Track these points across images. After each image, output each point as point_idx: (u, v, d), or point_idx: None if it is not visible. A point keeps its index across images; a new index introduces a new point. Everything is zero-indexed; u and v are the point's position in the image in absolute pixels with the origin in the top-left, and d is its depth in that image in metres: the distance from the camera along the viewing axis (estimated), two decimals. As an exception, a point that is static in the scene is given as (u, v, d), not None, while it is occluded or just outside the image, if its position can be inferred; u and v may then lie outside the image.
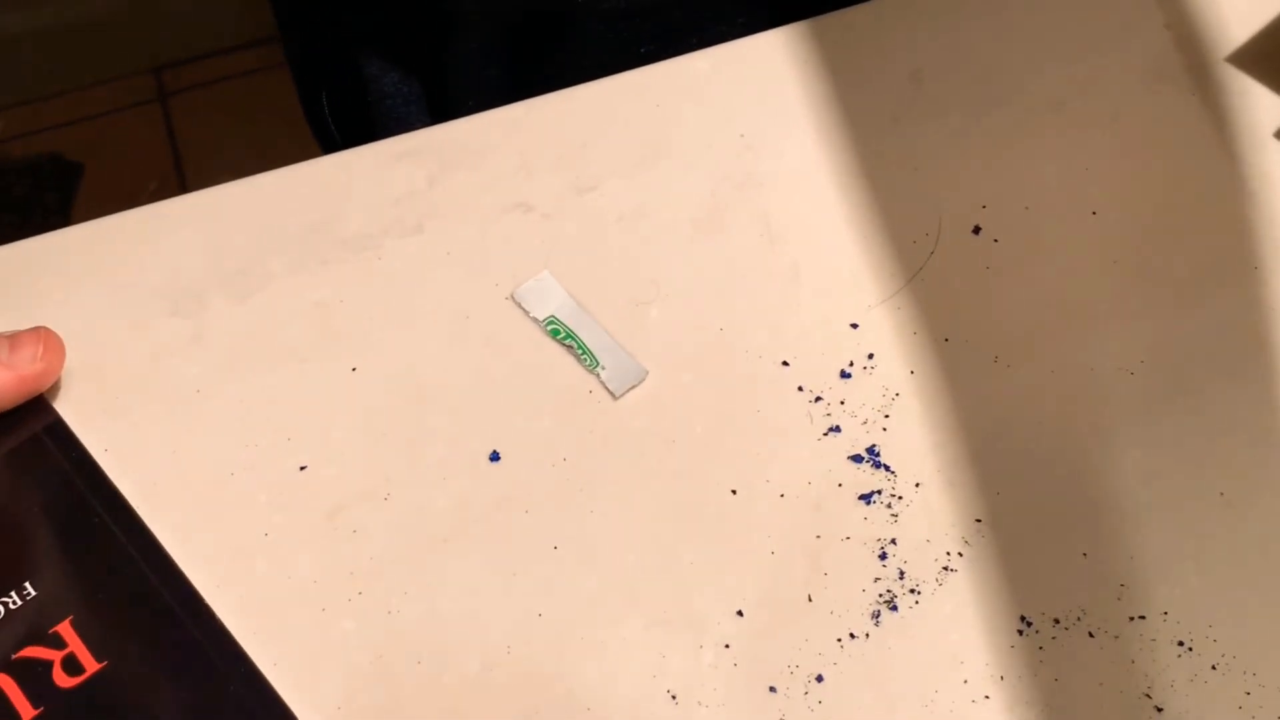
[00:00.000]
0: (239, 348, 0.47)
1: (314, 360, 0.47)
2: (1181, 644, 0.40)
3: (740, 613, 0.42)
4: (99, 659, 0.40)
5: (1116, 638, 0.41)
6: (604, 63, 0.53)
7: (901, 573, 0.42)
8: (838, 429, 0.45)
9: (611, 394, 0.46)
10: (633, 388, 0.46)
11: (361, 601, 0.42)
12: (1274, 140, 0.49)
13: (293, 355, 0.47)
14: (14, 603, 0.41)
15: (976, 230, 0.48)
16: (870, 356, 0.46)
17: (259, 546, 0.43)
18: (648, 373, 0.46)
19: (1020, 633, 0.41)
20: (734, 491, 0.44)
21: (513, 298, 0.48)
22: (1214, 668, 0.40)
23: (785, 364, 0.46)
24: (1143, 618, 0.41)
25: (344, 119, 0.66)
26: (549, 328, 0.47)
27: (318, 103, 0.66)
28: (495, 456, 0.45)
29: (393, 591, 0.42)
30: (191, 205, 0.50)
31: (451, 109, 0.62)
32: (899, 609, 0.41)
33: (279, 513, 0.44)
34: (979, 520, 0.43)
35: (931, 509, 0.43)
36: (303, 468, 0.45)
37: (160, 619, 0.41)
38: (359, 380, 0.46)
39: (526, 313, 0.47)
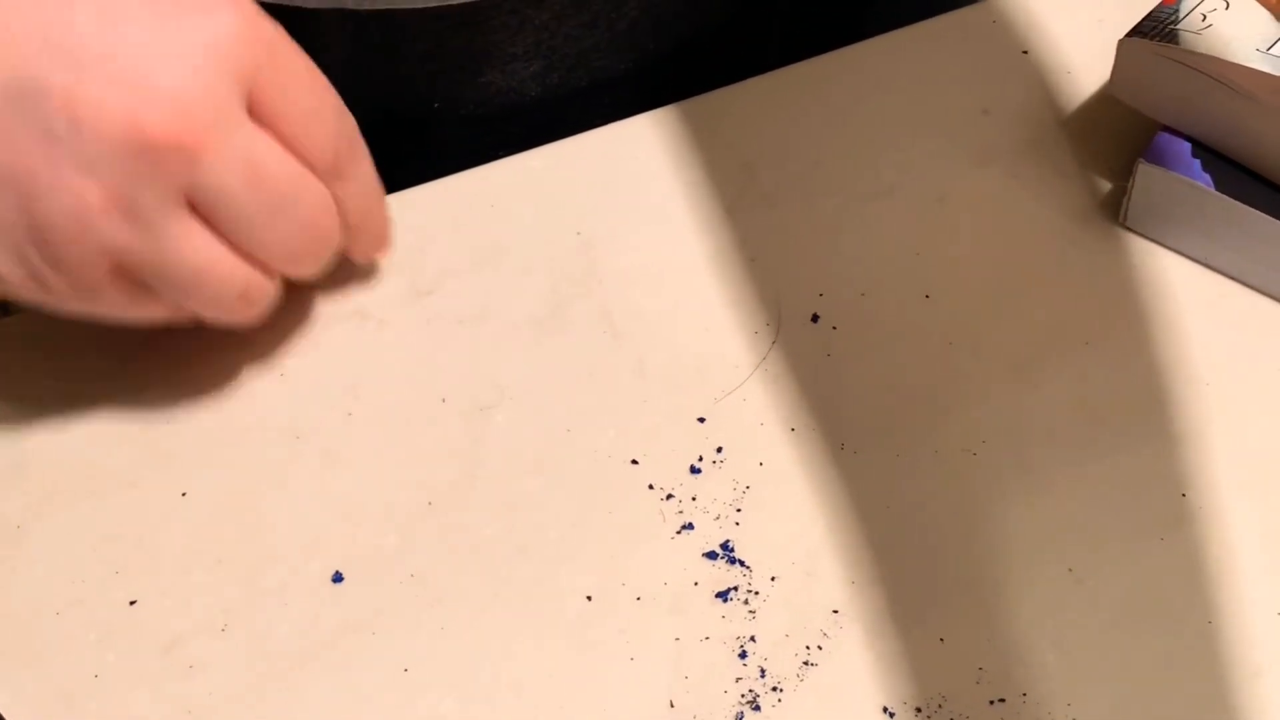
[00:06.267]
0: (62, 477, 0.44)
1: (142, 486, 0.44)
2: (1042, 725, 0.40)
3: (602, 724, 0.41)
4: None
5: (978, 723, 0.40)
6: (463, 170, 0.52)
7: (763, 670, 0.41)
8: (691, 526, 0.44)
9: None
10: (480, 496, 0.45)
11: (202, 742, 0.40)
12: (1095, 215, 0.51)
13: (120, 481, 0.44)
14: None
15: (815, 318, 0.49)
16: (719, 450, 0.46)
17: (90, 689, 0.41)
18: (495, 480, 0.45)
19: (884, 724, 0.41)
20: (589, 598, 0.43)
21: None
22: (1075, 747, 0.40)
23: (635, 462, 0.45)
24: (1003, 700, 0.41)
25: None
26: (390, 438, 0.46)
27: None
28: (338, 577, 0.43)
29: (236, 729, 0.40)
30: None
31: None
32: (762, 708, 0.41)
33: (110, 651, 0.41)
34: (836, 611, 0.43)
35: (789, 602, 0.43)
36: (133, 602, 0.42)
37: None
38: (190, 505, 0.44)
39: (366, 424, 0.46)
